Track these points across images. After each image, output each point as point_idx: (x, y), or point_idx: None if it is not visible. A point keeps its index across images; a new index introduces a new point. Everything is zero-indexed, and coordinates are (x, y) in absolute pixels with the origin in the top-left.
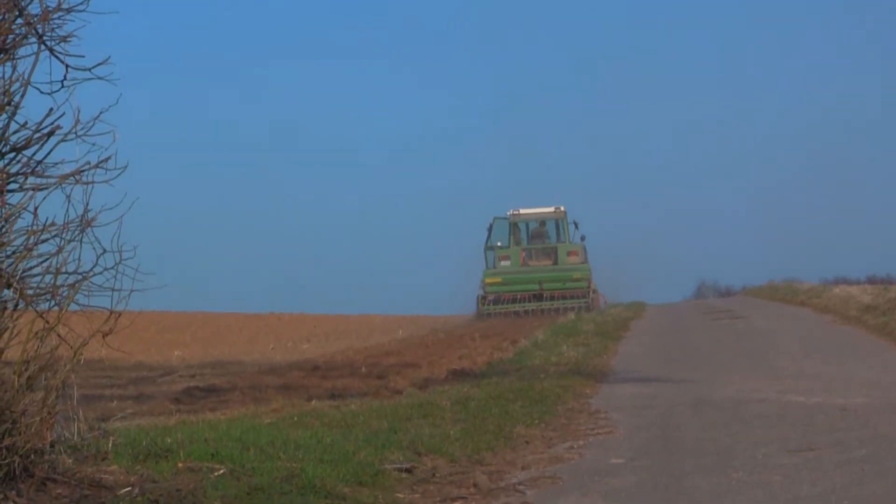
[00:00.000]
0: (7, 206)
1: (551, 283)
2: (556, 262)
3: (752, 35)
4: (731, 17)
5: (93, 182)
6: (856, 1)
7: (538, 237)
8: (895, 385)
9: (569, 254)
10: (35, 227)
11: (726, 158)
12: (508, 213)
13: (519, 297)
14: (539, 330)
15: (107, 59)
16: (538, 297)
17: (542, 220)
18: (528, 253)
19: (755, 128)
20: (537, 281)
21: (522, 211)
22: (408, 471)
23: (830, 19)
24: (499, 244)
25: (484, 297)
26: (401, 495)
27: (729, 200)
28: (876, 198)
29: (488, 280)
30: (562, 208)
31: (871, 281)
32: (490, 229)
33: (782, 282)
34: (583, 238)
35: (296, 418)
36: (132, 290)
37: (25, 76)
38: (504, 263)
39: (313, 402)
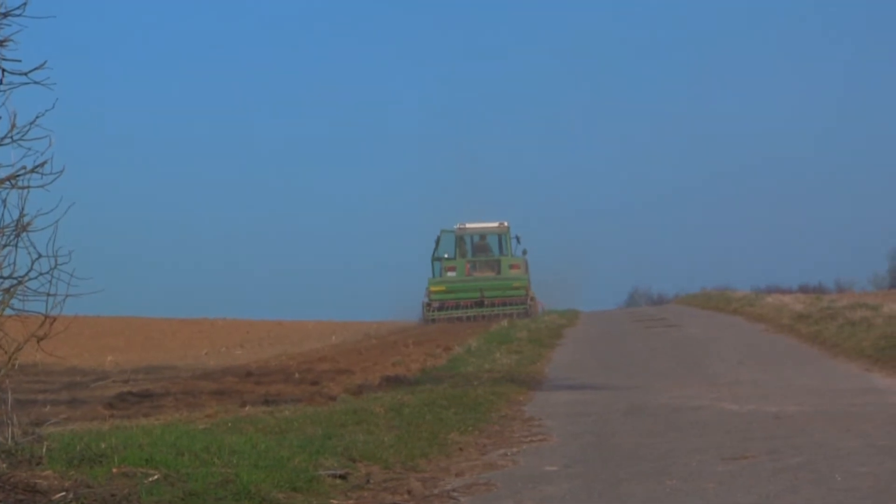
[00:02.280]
0: None
1: (492, 290)
2: (498, 274)
3: (693, 55)
4: (675, 42)
5: (28, 187)
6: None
7: (482, 250)
8: (829, 393)
9: (511, 266)
10: None
11: (660, 168)
12: (455, 227)
13: (462, 303)
14: (472, 337)
15: (43, 64)
16: (480, 304)
17: (486, 234)
18: (472, 265)
19: (688, 140)
20: (479, 289)
21: (468, 225)
22: (342, 477)
23: (763, 40)
24: (446, 256)
25: (429, 304)
26: (335, 501)
27: (663, 209)
28: (807, 208)
29: (433, 288)
30: (505, 223)
31: (803, 290)
32: (437, 241)
33: (715, 290)
34: (524, 252)
35: (230, 424)
36: (67, 295)
37: None
38: (450, 274)
39: (247, 407)
